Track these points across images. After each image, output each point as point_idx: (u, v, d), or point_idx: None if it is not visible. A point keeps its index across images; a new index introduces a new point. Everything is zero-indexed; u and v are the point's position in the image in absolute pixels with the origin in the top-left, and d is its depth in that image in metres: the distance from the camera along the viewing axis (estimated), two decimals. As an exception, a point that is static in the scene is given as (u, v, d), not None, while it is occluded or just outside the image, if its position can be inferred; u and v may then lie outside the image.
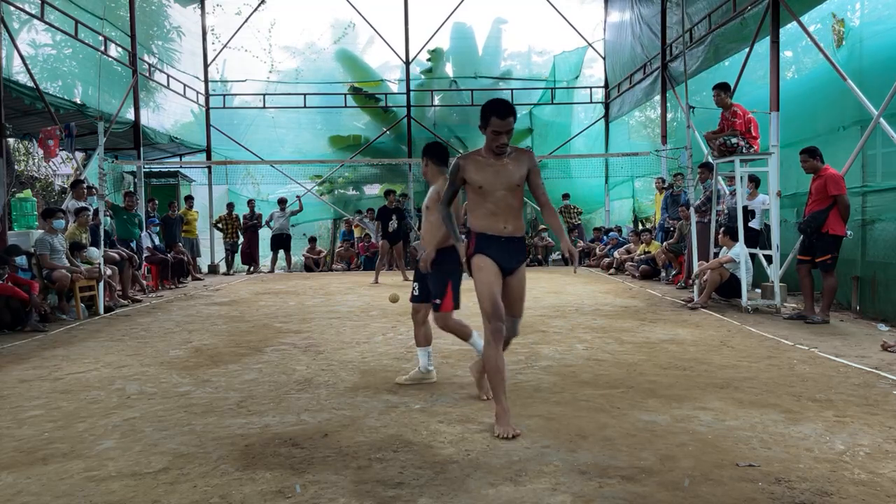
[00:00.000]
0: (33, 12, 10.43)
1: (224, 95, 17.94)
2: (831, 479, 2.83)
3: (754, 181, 8.92)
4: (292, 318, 7.76)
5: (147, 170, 14.69)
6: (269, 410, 4.00)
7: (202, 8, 17.32)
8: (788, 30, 9.09)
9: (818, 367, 4.90)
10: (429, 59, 18.43)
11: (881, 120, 7.15)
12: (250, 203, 15.75)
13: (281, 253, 15.75)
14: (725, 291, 8.12)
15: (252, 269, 15.26)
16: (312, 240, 16.18)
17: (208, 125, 17.42)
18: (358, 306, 8.73)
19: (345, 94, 18.22)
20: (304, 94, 17.82)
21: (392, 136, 18.37)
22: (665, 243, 11.22)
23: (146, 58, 14.47)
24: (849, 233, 6.96)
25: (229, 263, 15.60)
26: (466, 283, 4.08)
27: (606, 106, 17.93)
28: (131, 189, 13.21)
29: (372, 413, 3.89)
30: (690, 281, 8.73)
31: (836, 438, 3.34)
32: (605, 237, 14.95)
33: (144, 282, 10.98)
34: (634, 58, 15.35)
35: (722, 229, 8.23)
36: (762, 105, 8.60)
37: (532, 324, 6.52)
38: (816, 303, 7.10)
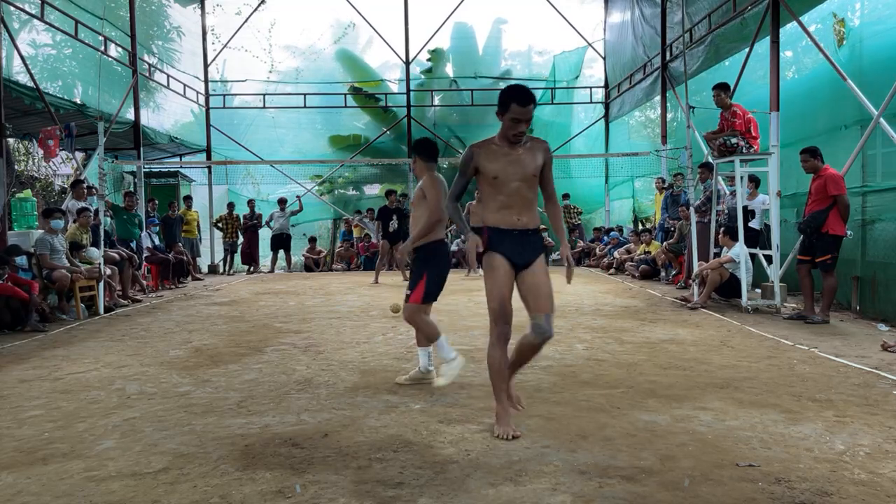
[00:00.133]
0: (33, 12, 10.44)
1: (224, 95, 17.94)
2: (831, 479, 2.83)
3: (754, 181, 8.92)
4: (292, 318, 7.76)
5: (147, 170, 14.69)
6: (269, 410, 4.00)
7: (202, 8, 17.33)
8: (788, 30, 9.09)
9: (818, 367, 4.90)
10: (429, 59, 18.44)
11: (881, 120, 7.15)
12: (250, 203, 15.75)
13: (281, 253, 15.75)
14: (725, 291, 8.12)
15: (252, 269, 15.26)
16: (312, 240, 16.18)
17: (208, 125, 17.43)
18: (358, 306, 8.73)
19: (345, 94, 18.22)
20: (304, 94, 17.82)
21: (392, 136, 18.37)
22: (665, 243, 11.22)
23: (146, 58, 14.48)
24: (849, 233, 6.97)
25: (228, 263, 15.58)
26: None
27: (606, 106, 17.93)
28: (131, 189, 13.21)
29: (372, 413, 3.89)
30: (690, 281, 8.74)
31: (836, 438, 3.34)
32: (605, 237, 14.96)
33: (144, 282, 10.98)
34: (634, 58, 15.34)
35: (722, 229, 8.23)
36: (762, 105, 8.60)
37: (532, 324, 6.52)
38: (816, 303, 7.10)
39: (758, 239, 8.42)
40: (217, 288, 11.74)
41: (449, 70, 18.79)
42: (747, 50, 9.75)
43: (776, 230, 7.95)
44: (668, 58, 13.43)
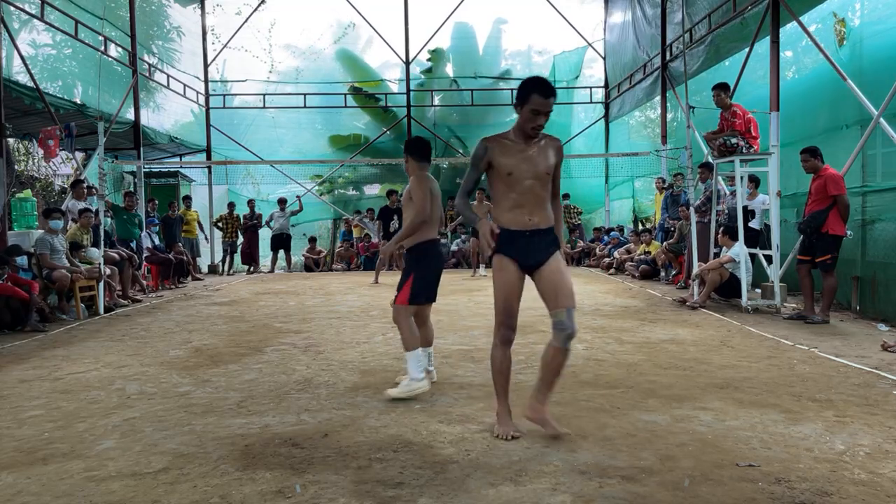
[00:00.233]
0: (33, 12, 10.43)
1: (224, 95, 17.94)
2: (831, 479, 2.83)
3: (754, 181, 8.92)
4: (292, 318, 7.76)
5: (147, 170, 14.68)
6: (269, 410, 4.00)
7: (202, 8, 17.33)
8: (788, 30, 9.09)
9: (818, 367, 4.90)
10: (429, 59, 18.44)
11: (881, 120, 7.15)
12: (250, 203, 15.75)
13: (281, 253, 15.75)
14: (725, 291, 8.12)
15: (252, 269, 15.25)
16: (312, 240, 16.18)
17: (208, 125, 17.43)
18: (358, 306, 8.73)
19: (345, 94, 18.22)
20: (304, 94, 17.82)
21: (392, 136, 18.37)
22: (665, 243, 11.22)
23: (146, 58, 14.47)
24: (849, 233, 6.97)
25: (228, 263, 15.58)
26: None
27: (606, 106, 17.93)
28: (131, 189, 13.21)
29: (372, 413, 3.89)
30: (690, 281, 8.73)
31: (836, 438, 3.34)
32: (605, 237, 14.96)
33: (144, 282, 10.99)
34: (634, 58, 15.34)
35: (722, 229, 8.23)
36: (762, 105, 8.60)
37: (532, 324, 6.52)
38: (816, 303, 7.10)
39: (758, 239, 8.42)
40: (217, 288, 11.74)
41: (449, 70, 18.80)
42: (747, 50, 9.75)
43: (776, 230, 7.95)
44: (668, 58, 13.43)
